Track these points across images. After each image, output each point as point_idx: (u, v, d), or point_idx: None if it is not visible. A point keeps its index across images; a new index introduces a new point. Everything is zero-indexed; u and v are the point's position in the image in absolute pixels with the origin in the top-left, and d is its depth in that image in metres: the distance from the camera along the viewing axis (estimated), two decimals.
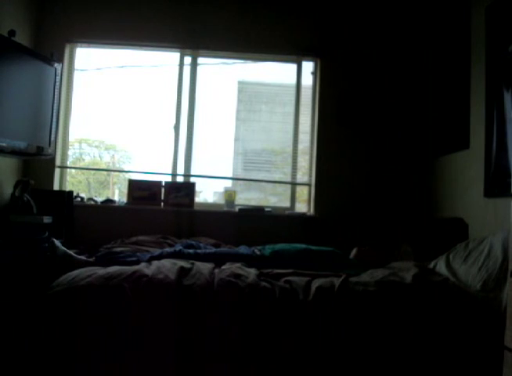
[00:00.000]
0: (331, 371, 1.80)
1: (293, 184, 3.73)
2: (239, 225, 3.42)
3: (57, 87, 3.09)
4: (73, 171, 3.83)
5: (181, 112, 3.66)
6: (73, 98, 3.61)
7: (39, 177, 3.25)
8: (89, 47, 3.63)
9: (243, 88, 3.86)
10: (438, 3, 3.45)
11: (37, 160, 3.29)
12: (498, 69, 2.60)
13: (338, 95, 3.59)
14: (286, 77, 3.79)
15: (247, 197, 3.77)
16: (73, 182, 3.80)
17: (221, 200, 3.72)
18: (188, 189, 3.53)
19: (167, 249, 2.47)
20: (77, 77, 3.63)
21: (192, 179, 3.65)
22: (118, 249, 2.54)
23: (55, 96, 3.08)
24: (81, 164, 3.84)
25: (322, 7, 3.62)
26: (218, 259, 2.27)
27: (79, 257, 2.24)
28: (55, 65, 3.07)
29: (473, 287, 2.04)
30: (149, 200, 3.47)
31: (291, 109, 3.74)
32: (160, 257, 2.23)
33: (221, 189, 3.76)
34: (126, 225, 3.28)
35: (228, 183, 3.80)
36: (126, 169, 3.92)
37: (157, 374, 1.76)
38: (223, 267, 2.11)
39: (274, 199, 3.83)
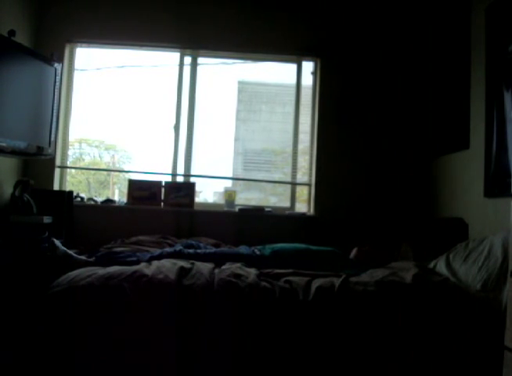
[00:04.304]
0: (331, 371, 1.80)
1: (293, 184, 3.73)
2: (239, 225, 3.41)
3: (57, 87, 3.09)
4: (73, 171, 3.83)
5: (181, 112, 3.65)
6: (73, 98, 3.60)
7: (39, 177, 3.25)
8: (89, 47, 3.63)
9: (243, 88, 3.86)
10: (438, 3, 3.45)
11: (37, 160, 3.29)
12: (498, 69, 2.60)
13: (338, 95, 3.59)
14: (286, 77, 3.78)
15: (247, 197, 3.77)
16: (73, 182, 3.80)
17: (221, 200, 3.72)
18: (188, 189, 3.53)
19: (167, 249, 2.47)
20: (77, 77, 3.63)
21: (192, 179, 3.65)
22: (118, 249, 2.54)
23: (55, 96, 3.08)
24: (81, 164, 3.84)
25: (322, 7, 3.61)
26: (218, 259, 2.27)
27: (79, 257, 2.24)
28: (55, 65, 3.07)
29: (473, 287, 2.04)
30: (149, 200, 3.47)
31: (291, 109, 3.74)
32: (160, 257, 2.23)
33: (221, 189, 3.76)
34: (126, 225, 3.28)
35: (229, 183, 3.80)
36: (126, 169, 3.92)
37: (157, 373, 1.76)
38: (223, 267, 2.11)
39: (274, 199, 3.83)
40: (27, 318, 1.80)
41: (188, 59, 3.68)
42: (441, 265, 2.32)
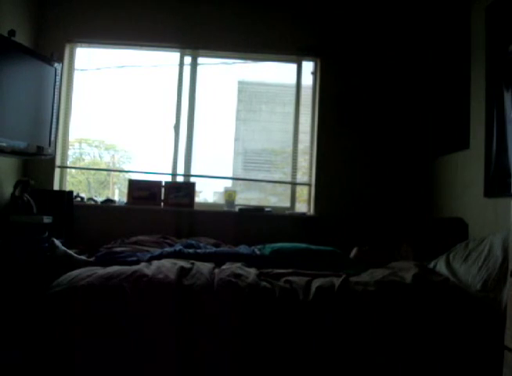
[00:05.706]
0: (331, 371, 1.80)
1: (293, 184, 3.73)
2: (239, 225, 3.42)
3: (57, 87, 3.09)
4: (73, 171, 3.83)
5: (181, 112, 3.65)
6: (73, 98, 3.60)
7: (39, 177, 3.25)
8: (89, 47, 3.63)
9: (243, 88, 3.86)
10: (438, 3, 3.45)
11: (37, 160, 3.29)
12: (498, 69, 2.60)
13: (338, 95, 3.59)
14: (286, 77, 3.79)
15: (247, 197, 3.77)
16: (73, 182, 3.80)
17: (221, 200, 3.72)
18: (188, 189, 3.53)
19: (167, 249, 2.47)
20: (77, 77, 3.63)
21: (192, 179, 3.65)
22: (118, 249, 2.54)
23: (55, 96, 3.08)
24: (81, 164, 3.84)
25: (322, 7, 3.61)
26: (218, 259, 2.27)
27: (79, 257, 2.24)
28: (55, 65, 3.07)
29: (473, 287, 2.04)
30: (149, 200, 3.47)
31: (291, 109, 3.74)
32: (160, 257, 2.23)
33: (221, 189, 3.76)
34: (126, 225, 3.28)
35: (229, 183, 3.80)
36: (126, 169, 3.92)
37: (158, 373, 1.76)
38: (223, 267, 2.11)
39: (274, 199, 3.83)
40: (27, 318, 1.80)
41: (188, 59, 3.68)
42: (441, 265, 2.32)
